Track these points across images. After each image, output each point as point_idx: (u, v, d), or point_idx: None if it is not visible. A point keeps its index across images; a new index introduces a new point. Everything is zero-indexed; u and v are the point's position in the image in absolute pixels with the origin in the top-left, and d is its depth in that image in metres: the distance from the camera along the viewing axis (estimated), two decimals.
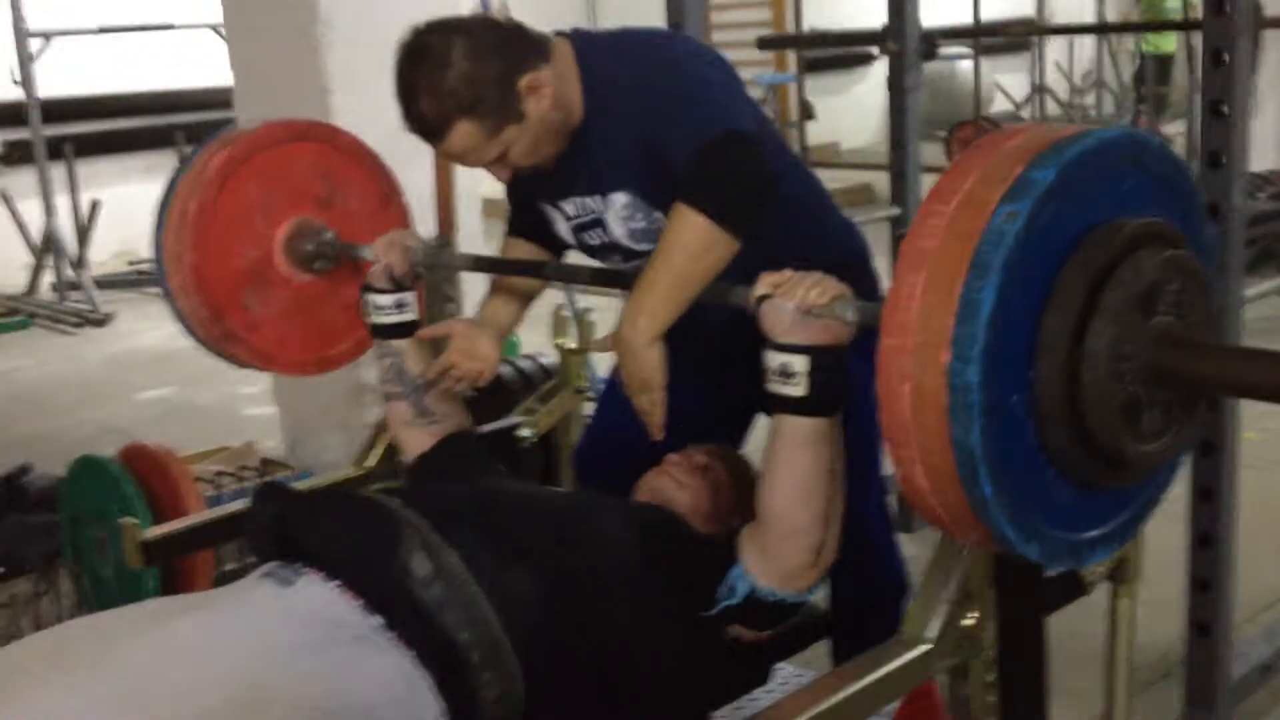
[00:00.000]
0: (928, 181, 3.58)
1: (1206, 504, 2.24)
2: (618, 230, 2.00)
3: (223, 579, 2.91)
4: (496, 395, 2.22)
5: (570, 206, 2.04)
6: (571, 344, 2.63)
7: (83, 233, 7.36)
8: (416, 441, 2.10)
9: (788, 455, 1.58)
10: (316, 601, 1.48)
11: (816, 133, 10.26)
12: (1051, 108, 10.43)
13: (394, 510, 1.62)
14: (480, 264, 2.29)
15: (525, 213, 2.18)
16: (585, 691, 1.61)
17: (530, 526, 1.72)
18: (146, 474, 2.85)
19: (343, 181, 2.35)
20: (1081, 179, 1.24)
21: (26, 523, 3.14)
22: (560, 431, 2.67)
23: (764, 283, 1.57)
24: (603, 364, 2.49)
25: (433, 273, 2.73)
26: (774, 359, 1.54)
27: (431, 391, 2.11)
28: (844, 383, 1.55)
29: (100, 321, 6.93)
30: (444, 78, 1.82)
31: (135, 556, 2.22)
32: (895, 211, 3.57)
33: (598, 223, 2.02)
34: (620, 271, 2.00)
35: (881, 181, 5.03)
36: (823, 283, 1.54)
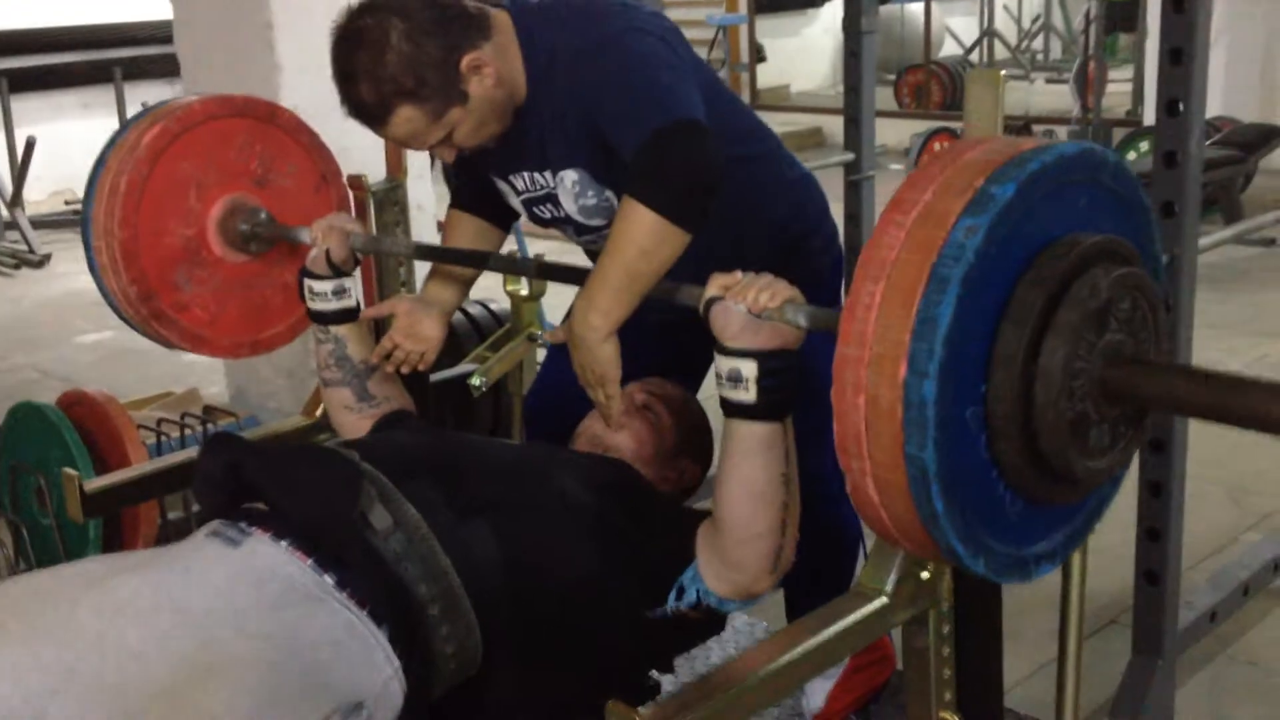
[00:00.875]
0: (877, 126, 3.57)
1: (1158, 454, 2.25)
2: (569, 206, 1.98)
3: (166, 528, 2.87)
4: (447, 343, 2.18)
5: (520, 181, 2.01)
6: (523, 290, 2.58)
7: (18, 171, 7.18)
8: (356, 426, 2.06)
9: (740, 461, 1.54)
10: (266, 561, 1.46)
11: (767, 75, 10.23)
12: (1000, 52, 10.44)
13: (353, 461, 1.59)
14: (422, 252, 2.21)
15: (470, 184, 2.15)
16: (539, 647, 1.60)
17: (487, 481, 1.69)
18: (87, 421, 2.80)
19: (280, 161, 2.29)
20: (1040, 194, 1.22)
21: None
22: (512, 379, 2.64)
23: (714, 284, 1.52)
24: (553, 311, 2.46)
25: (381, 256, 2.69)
26: (723, 364, 1.50)
27: (374, 376, 2.08)
28: (794, 387, 1.52)
29: (37, 263, 6.79)
30: (383, 62, 1.76)
31: (77, 508, 2.17)
32: (849, 157, 3.53)
33: (549, 198, 2.00)
34: (566, 267, 1.98)
35: (832, 125, 5.01)
36: (773, 285, 1.49)
